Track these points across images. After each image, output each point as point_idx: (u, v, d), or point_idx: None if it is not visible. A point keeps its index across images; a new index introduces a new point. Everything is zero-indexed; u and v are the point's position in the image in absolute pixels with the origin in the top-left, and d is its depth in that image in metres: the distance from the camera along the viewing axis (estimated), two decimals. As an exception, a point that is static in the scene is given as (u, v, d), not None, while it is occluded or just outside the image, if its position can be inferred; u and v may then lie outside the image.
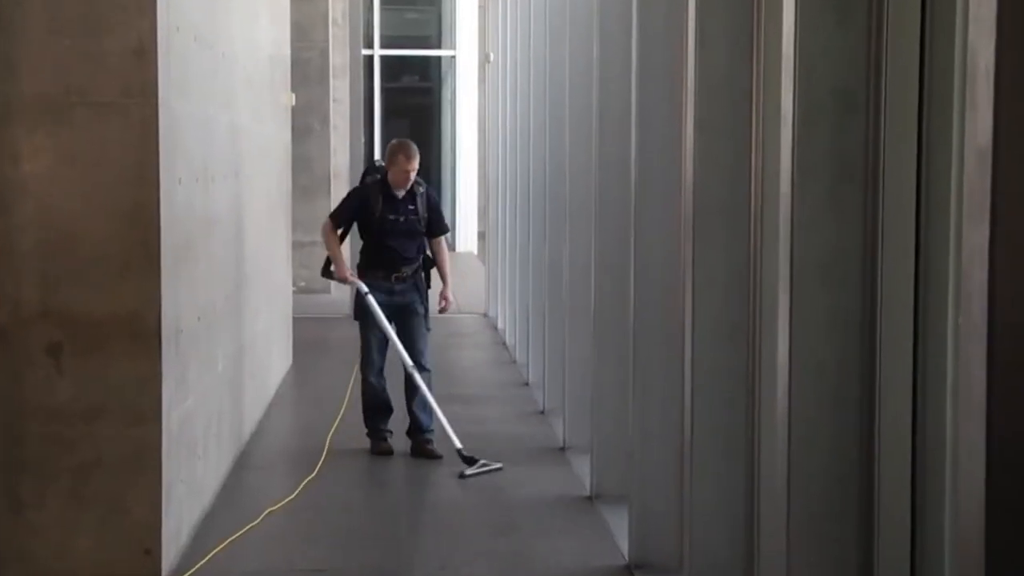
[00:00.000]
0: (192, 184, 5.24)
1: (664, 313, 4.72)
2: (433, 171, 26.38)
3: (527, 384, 8.83)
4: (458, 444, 6.25)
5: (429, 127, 25.83)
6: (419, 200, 6.57)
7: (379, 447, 6.61)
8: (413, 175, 6.49)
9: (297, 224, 13.25)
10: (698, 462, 4.11)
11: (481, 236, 18.61)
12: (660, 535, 4.78)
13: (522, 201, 9.54)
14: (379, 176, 6.57)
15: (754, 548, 3.98)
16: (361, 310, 6.61)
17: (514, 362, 9.82)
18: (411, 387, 6.55)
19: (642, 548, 4.85)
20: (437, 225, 6.65)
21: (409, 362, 6.48)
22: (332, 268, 6.67)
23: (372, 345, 6.57)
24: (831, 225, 3.17)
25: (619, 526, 5.30)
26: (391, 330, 6.50)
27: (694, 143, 4.05)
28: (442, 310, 6.65)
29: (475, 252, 21.14)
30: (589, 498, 5.87)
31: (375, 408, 6.62)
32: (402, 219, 6.53)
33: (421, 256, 6.63)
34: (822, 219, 3.17)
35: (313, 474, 6.17)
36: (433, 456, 6.39)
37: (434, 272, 6.71)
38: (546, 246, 7.71)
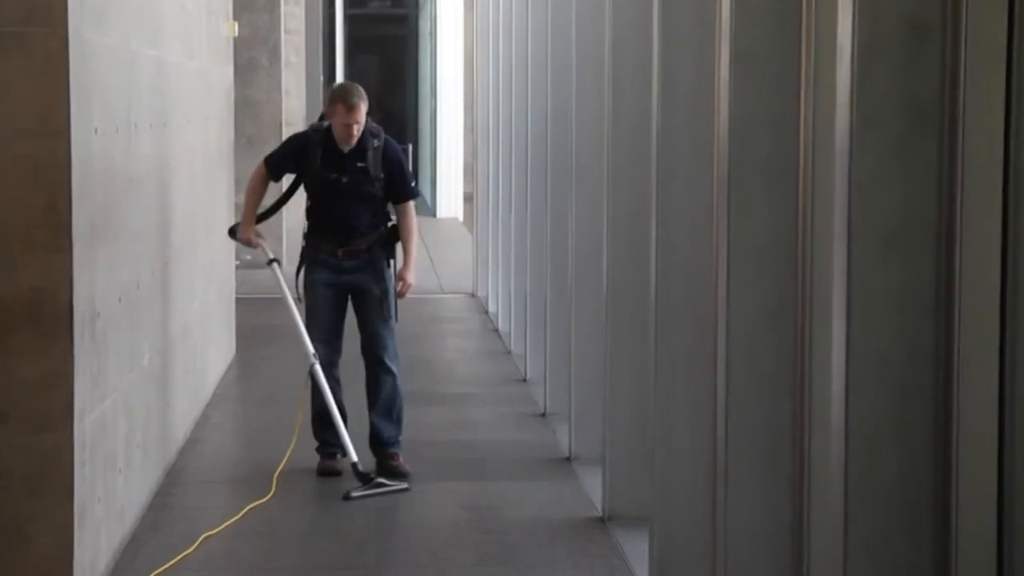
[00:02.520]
0: (111, 135, 5.22)
1: (692, 295, 4.71)
2: (408, 119, 26.36)
3: (524, 380, 8.84)
4: (354, 458, 6.23)
5: (403, 64, 25.77)
6: (371, 156, 6.36)
7: (322, 465, 6.49)
8: (357, 130, 6.29)
9: (241, 184, 13.17)
10: (734, 476, 4.11)
11: (468, 199, 18.61)
12: (687, 564, 4.78)
13: (518, 157, 9.53)
14: (326, 124, 6.40)
15: (803, 582, 3.99)
16: (307, 285, 6.48)
17: (508, 353, 9.83)
18: (373, 389, 6.48)
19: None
20: (399, 188, 6.45)
21: (309, 350, 6.33)
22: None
23: (317, 335, 6.42)
24: (899, 185, 3.16)
25: (637, 554, 5.30)
26: (295, 309, 6.37)
27: (730, 84, 4.03)
28: (400, 294, 6.43)
29: (460, 218, 21.16)
30: (601, 520, 5.88)
31: (321, 414, 6.47)
32: (345, 179, 6.35)
33: (382, 227, 6.46)
34: (888, 177, 3.16)
35: (269, 494, 6.16)
36: (400, 474, 6.33)
37: None
38: (548, 212, 7.70)
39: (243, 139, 12.28)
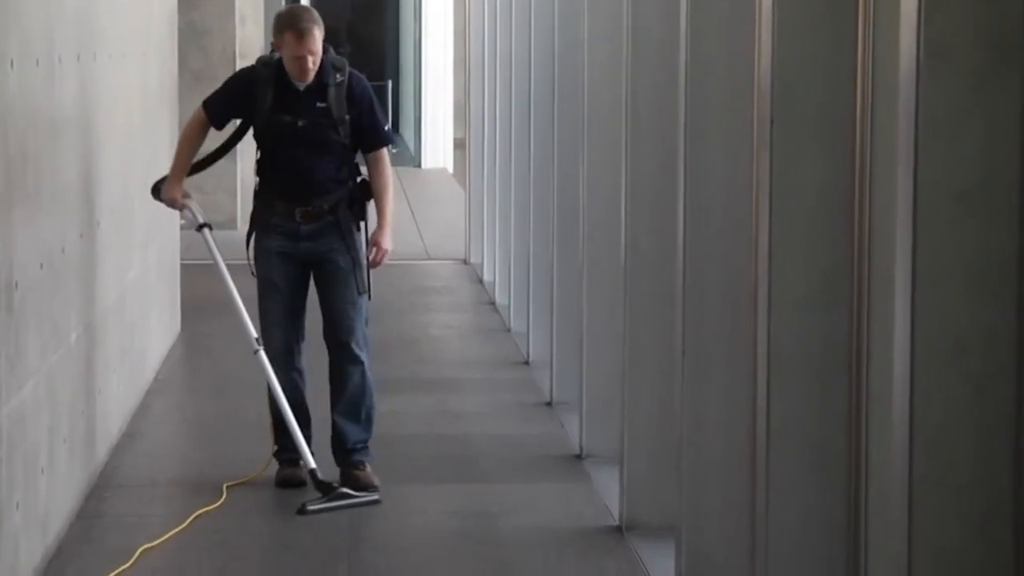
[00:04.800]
0: (30, 68, 5.20)
1: (728, 264, 4.72)
2: (387, 51, 26.27)
3: (527, 363, 8.84)
4: (311, 463, 6.16)
5: (381, -17, 25.65)
6: (333, 94, 6.25)
7: (281, 474, 6.38)
8: (313, 62, 6.18)
9: (187, 128, 13.11)
10: (777, 478, 4.12)
11: (459, 146, 18.55)
12: (720, 586, 4.80)
13: (519, 96, 9.52)
14: (277, 57, 6.29)
15: (857, 604, 4.01)
16: (257, 255, 6.35)
17: (508, 331, 9.83)
18: (337, 382, 6.34)
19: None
20: (370, 133, 6.33)
21: (251, 334, 6.26)
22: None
23: (272, 316, 6.32)
24: (975, 132, 3.16)
25: (662, 571, 5.31)
26: (231, 284, 6.26)
27: (773, 10, 4.02)
28: (373, 262, 6.31)
29: (449, 169, 21.13)
30: (618, 529, 5.89)
31: (279, 414, 6.32)
32: (302, 123, 6.25)
33: (350, 182, 6.35)
34: (962, 123, 3.16)
35: (220, 500, 6.17)
36: (368, 487, 6.19)
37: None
38: (555, 163, 7.69)
39: (188, 74, 12.23)
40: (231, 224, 14.20)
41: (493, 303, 10.77)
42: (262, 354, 6.25)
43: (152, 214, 8.50)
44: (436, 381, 8.45)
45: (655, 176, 5.65)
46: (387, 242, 6.33)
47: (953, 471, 3.22)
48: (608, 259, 6.43)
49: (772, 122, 4.06)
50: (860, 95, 3.95)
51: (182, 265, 9.91)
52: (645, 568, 5.48)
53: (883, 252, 3.73)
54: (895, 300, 3.30)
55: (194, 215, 6.48)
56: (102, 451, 6.65)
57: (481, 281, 11.67)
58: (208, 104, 6.48)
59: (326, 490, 6.09)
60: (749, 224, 4.37)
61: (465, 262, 12.65)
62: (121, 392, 7.19)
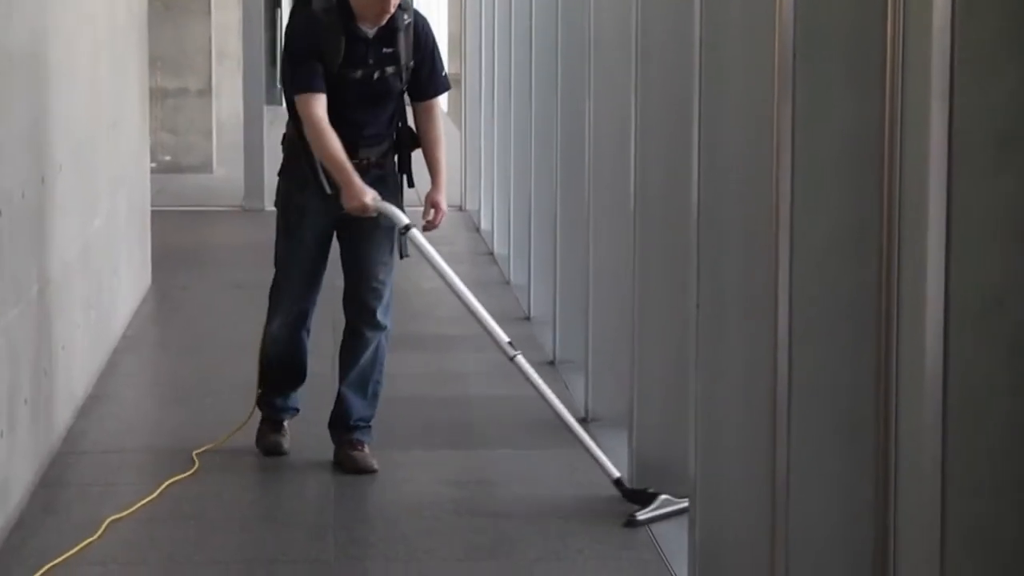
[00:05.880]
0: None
1: (746, 212, 4.70)
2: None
3: (527, 319, 8.86)
4: (615, 472, 5.93)
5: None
6: (402, 39, 6.02)
7: (264, 440, 6.35)
8: (395, 2, 5.89)
9: (159, 61, 13.11)
10: (798, 445, 4.13)
11: (454, 84, 18.45)
12: (739, 558, 4.80)
13: (520, 25, 9.49)
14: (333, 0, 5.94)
15: (886, 584, 4.02)
16: (289, 207, 6.16)
17: (506, 283, 9.84)
18: (352, 351, 6.23)
19: (709, 581, 4.90)
20: (430, 80, 6.13)
21: (504, 339, 5.96)
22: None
23: (294, 272, 6.19)
24: (1018, 69, 3.14)
25: (675, 544, 5.32)
26: (465, 290, 6.05)
27: (797, -66, 4.01)
28: (428, 227, 6.09)
29: (444, 108, 21.04)
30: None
31: (277, 369, 6.32)
32: (375, 75, 6.00)
33: (394, 131, 6.18)
34: (1003, 59, 3.14)
35: (194, 467, 6.19)
36: (366, 470, 6.15)
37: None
38: (558, 103, 7.67)
39: (158, 2, 12.18)
40: (206, 167, 14.21)
41: (491, 253, 10.78)
42: (520, 359, 6.04)
43: (120, 156, 8.49)
44: (428, 339, 8.46)
45: (667, 114, 5.64)
46: (444, 203, 6.19)
47: (988, 440, 3.22)
48: (616, 205, 6.42)
49: (795, 56, 4.05)
50: (891, 27, 3.92)
51: (153, 212, 9.91)
52: (655, 541, 5.50)
53: (915, 200, 3.72)
54: (927, 252, 3.30)
55: (393, 217, 6.03)
56: (66, 414, 6.66)
57: (478, 229, 11.68)
58: (305, 82, 5.95)
59: (643, 500, 5.77)
60: (770, 168, 4.35)
61: (460, 209, 12.64)
62: (87, 350, 7.20)
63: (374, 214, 5.95)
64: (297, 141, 6.09)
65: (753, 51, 4.64)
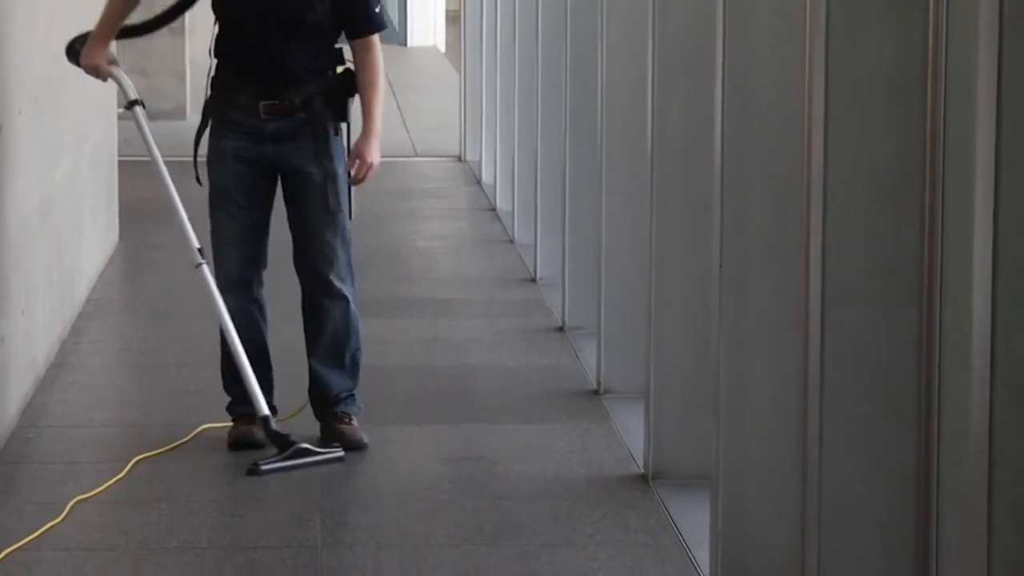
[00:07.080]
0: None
1: (775, 158, 4.71)
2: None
3: (534, 281, 8.87)
4: (264, 410, 5.99)
5: None
6: None
7: (235, 432, 6.19)
8: None
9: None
10: (831, 418, 4.13)
11: (452, 20, 18.49)
12: (764, 539, 4.82)
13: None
14: None
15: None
16: (211, 158, 6.20)
17: (511, 242, 9.84)
18: (314, 322, 6.19)
19: (738, 572, 4.89)
20: (357, 12, 6.14)
21: (194, 243, 6.08)
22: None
23: (226, 234, 6.15)
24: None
25: (695, 526, 5.33)
26: (169, 183, 6.13)
27: None
28: (355, 179, 6.11)
29: (441, 48, 21.07)
30: (643, 478, 5.92)
31: (230, 356, 6.15)
32: None
33: (329, 72, 6.18)
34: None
35: (168, 444, 6.18)
36: (355, 445, 6.13)
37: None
38: (567, 43, 7.67)
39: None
40: (179, 114, 14.20)
41: (493, 209, 10.78)
42: (205, 269, 6.09)
43: (84, 102, 8.47)
44: (425, 303, 8.47)
45: (688, 52, 5.63)
46: (372, 153, 6.12)
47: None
48: (632, 155, 6.42)
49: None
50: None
51: (120, 163, 9.89)
52: (674, 524, 5.50)
53: (961, 144, 3.70)
54: (975, 201, 3.29)
55: (124, 89, 6.34)
56: (26, 384, 6.66)
57: (479, 182, 11.67)
58: None
59: (283, 444, 5.95)
60: (801, 114, 4.34)
61: (460, 160, 12.64)
62: (48, 315, 7.20)
63: (105, 80, 6.34)
64: (214, 76, 6.30)
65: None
